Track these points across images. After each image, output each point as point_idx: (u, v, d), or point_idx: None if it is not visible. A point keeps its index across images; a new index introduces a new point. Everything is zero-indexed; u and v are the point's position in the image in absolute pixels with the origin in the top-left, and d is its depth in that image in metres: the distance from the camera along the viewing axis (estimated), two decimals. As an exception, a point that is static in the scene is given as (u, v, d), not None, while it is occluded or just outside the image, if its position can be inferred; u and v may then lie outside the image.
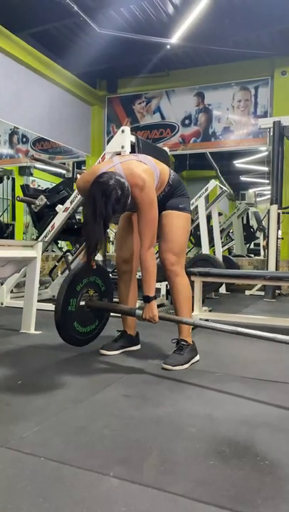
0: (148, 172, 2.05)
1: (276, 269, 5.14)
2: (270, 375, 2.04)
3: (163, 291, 4.32)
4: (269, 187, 5.73)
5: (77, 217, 5.61)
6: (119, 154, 3.41)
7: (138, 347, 2.49)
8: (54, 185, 5.74)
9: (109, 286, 2.44)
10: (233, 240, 8.64)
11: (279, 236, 5.27)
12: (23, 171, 8.99)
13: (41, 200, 4.28)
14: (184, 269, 2.29)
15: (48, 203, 4.27)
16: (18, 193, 7.42)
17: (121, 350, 2.40)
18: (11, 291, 4.02)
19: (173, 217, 2.24)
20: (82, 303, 2.26)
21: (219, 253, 6.04)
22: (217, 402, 1.68)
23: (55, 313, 2.15)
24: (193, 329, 2.31)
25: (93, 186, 1.93)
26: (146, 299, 2.06)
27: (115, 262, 2.48)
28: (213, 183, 5.79)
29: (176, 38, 5.63)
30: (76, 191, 3.86)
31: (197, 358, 2.25)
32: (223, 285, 5.60)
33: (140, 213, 2.05)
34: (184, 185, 2.32)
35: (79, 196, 3.79)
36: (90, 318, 2.32)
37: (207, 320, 3.38)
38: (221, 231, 7.18)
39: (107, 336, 2.47)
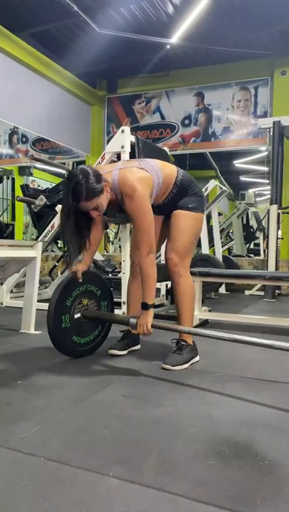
0: (144, 181, 2.04)
1: (276, 269, 5.15)
2: (270, 376, 2.04)
3: (163, 291, 4.32)
4: (269, 187, 5.74)
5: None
6: (119, 156, 3.42)
7: (138, 346, 2.50)
8: (54, 185, 5.74)
9: (106, 288, 2.43)
10: (232, 239, 8.65)
11: (279, 236, 5.28)
12: (23, 170, 8.99)
13: (41, 200, 4.28)
14: (188, 270, 2.27)
15: (48, 203, 4.26)
16: (18, 193, 7.42)
17: (128, 350, 2.40)
18: (11, 291, 4.02)
19: (181, 216, 2.23)
20: (78, 315, 2.24)
21: (219, 253, 6.04)
22: (217, 402, 1.68)
23: (50, 335, 2.14)
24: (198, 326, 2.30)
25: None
26: (144, 306, 2.03)
27: (130, 264, 2.47)
28: (212, 183, 5.79)
29: (176, 38, 5.63)
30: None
31: (197, 358, 2.24)
32: (223, 285, 5.60)
33: (133, 221, 2.07)
34: (195, 184, 2.28)
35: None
36: (90, 327, 2.31)
37: (207, 320, 3.39)
38: (221, 231, 7.18)
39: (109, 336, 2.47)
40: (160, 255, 4.17)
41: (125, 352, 2.37)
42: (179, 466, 1.17)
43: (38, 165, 8.99)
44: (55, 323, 2.11)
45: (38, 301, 3.07)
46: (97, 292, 2.36)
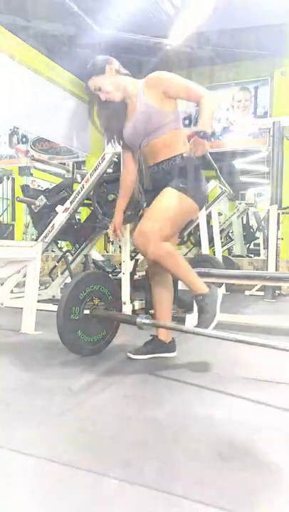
0: None
1: (276, 270, 5.14)
2: (271, 376, 2.04)
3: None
4: (269, 187, 5.74)
5: (77, 217, 5.60)
6: (119, 155, 3.41)
7: (173, 354, 2.31)
8: (54, 185, 5.74)
9: (118, 296, 2.44)
10: (232, 240, 8.65)
11: (279, 236, 5.27)
12: (23, 171, 9.00)
13: (41, 201, 4.28)
14: (161, 242, 1.97)
15: (48, 203, 4.27)
16: (18, 193, 7.42)
17: (150, 355, 2.26)
18: (11, 292, 4.02)
19: (164, 193, 2.02)
20: (87, 312, 2.25)
21: (219, 253, 6.04)
22: (217, 402, 1.68)
23: (57, 321, 2.14)
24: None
25: None
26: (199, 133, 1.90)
27: (148, 265, 2.33)
28: (212, 184, 5.79)
29: (176, 38, 5.64)
30: (76, 191, 3.85)
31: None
32: (223, 285, 5.60)
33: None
34: (200, 172, 2.11)
35: (79, 196, 3.79)
36: (96, 328, 2.30)
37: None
38: (221, 231, 7.18)
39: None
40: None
41: (145, 357, 2.25)
42: (179, 466, 1.17)
43: (38, 165, 8.99)
44: (65, 312, 2.13)
45: (38, 301, 3.07)
46: (109, 297, 2.38)
